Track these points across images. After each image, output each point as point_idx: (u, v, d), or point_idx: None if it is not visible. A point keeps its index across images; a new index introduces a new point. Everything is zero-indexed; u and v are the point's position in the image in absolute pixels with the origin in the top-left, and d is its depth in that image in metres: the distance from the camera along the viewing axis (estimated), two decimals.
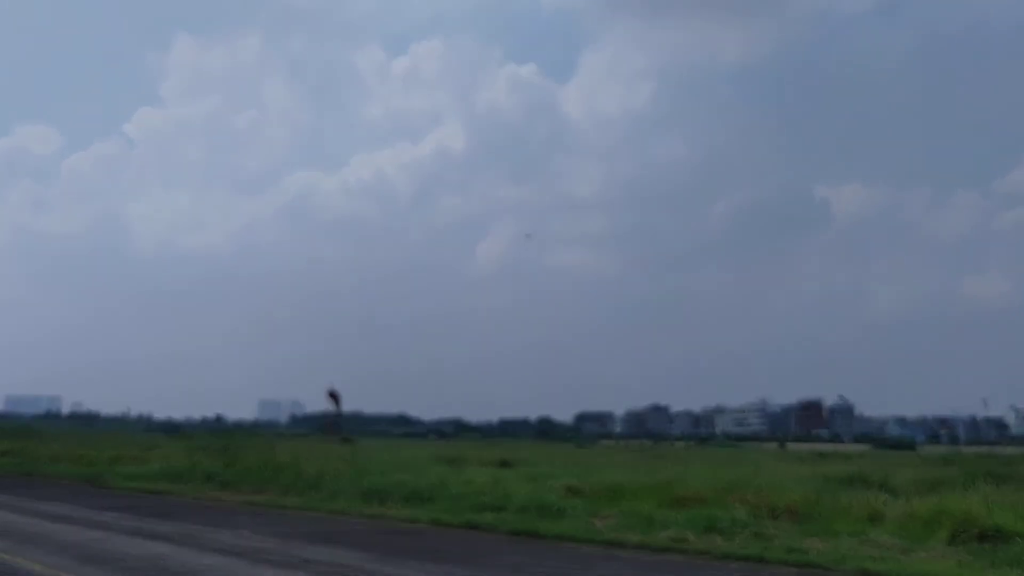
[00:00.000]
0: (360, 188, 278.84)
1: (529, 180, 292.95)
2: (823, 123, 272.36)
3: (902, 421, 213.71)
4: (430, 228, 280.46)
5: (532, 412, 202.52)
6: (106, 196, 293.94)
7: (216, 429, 69.00)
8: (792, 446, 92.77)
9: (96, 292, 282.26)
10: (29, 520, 17.88)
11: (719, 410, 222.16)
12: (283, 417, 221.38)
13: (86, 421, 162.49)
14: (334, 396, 31.82)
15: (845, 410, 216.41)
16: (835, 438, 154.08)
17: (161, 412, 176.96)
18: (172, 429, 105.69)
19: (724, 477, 19.82)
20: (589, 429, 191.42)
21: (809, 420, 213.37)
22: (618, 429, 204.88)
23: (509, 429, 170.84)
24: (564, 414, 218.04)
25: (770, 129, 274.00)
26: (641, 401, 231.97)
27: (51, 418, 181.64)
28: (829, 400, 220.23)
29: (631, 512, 16.45)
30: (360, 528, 17.23)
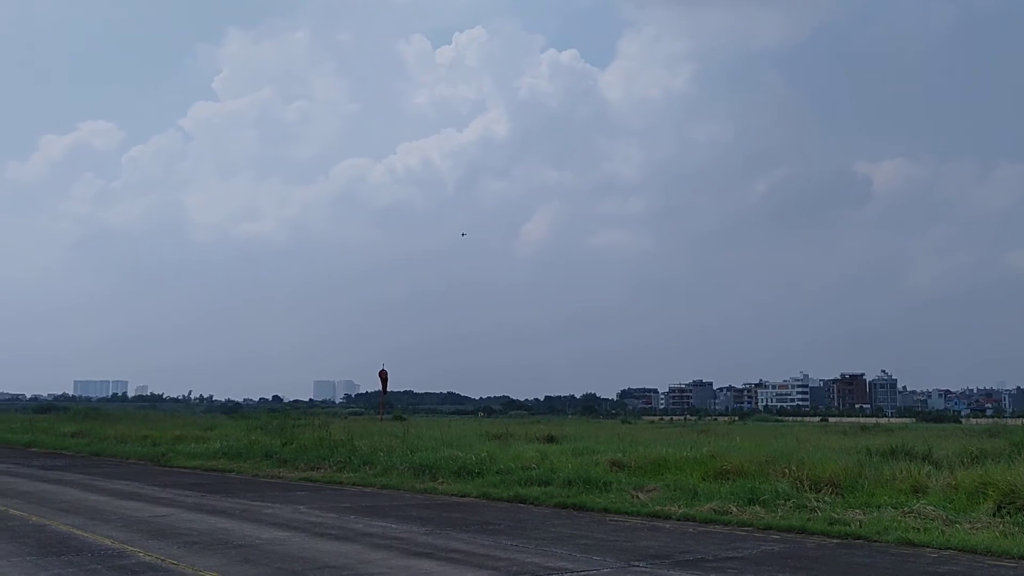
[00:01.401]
0: (407, 175, 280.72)
1: (571, 163, 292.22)
2: (863, 100, 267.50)
3: (946, 394, 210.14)
4: (475, 212, 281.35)
5: (577, 389, 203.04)
6: (165, 188, 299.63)
7: (273, 409, 70.48)
8: (834, 420, 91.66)
9: (157, 280, 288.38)
10: (99, 497, 18.76)
11: (761, 385, 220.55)
12: (337, 396, 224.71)
13: (150, 403, 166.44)
14: (383, 376, 32.57)
15: (887, 384, 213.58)
16: (877, 412, 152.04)
17: (221, 394, 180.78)
18: (232, 410, 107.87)
19: (766, 450, 20.01)
20: (633, 405, 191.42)
21: (851, 394, 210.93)
22: (662, 405, 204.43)
23: (555, 406, 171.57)
24: (608, 391, 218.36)
25: (810, 108, 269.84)
26: (684, 377, 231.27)
27: (117, 401, 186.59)
28: (871, 374, 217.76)
29: (674, 485, 16.80)
30: (412, 502, 17.82)
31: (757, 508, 14.79)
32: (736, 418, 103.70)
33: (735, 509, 14.84)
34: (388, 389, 35.94)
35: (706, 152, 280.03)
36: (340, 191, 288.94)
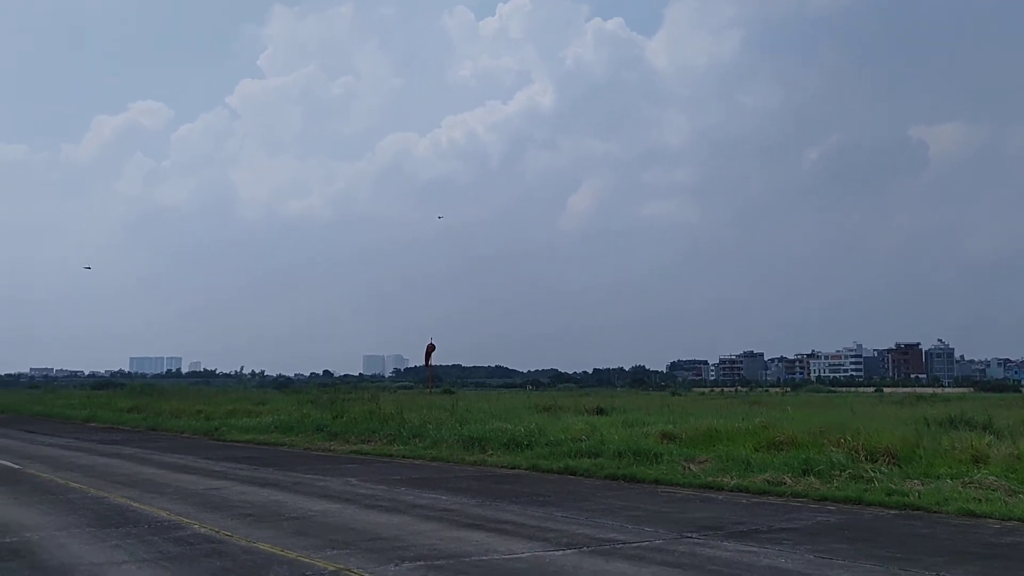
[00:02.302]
0: (452, 148, 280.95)
1: (618, 133, 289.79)
2: (918, 64, 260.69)
3: (1005, 363, 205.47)
4: (521, 184, 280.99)
5: (626, 362, 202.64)
6: (213, 166, 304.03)
7: (324, 383, 71.35)
8: (888, 390, 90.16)
9: (207, 258, 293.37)
10: (154, 471, 19.09)
11: (813, 356, 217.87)
12: (387, 371, 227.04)
13: (203, 379, 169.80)
14: (429, 350, 32.73)
15: (944, 353, 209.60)
16: (934, 382, 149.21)
17: (272, 369, 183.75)
18: (283, 384, 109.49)
19: (819, 420, 19.69)
20: (683, 377, 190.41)
21: (906, 364, 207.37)
22: (712, 376, 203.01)
23: (604, 378, 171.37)
24: (658, 363, 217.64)
25: (863, 72, 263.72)
26: (734, 348, 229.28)
27: (172, 377, 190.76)
28: (927, 344, 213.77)
29: (727, 456, 16.58)
30: (462, 474, 17.85)
31: (812, 479, 14.53)
32: (788, 389, 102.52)
33: (789, 480, 14.60)
34: (435, 363, 36.13)
35: (754, 120, 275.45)
36: (385, 166, 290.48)
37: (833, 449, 15.79)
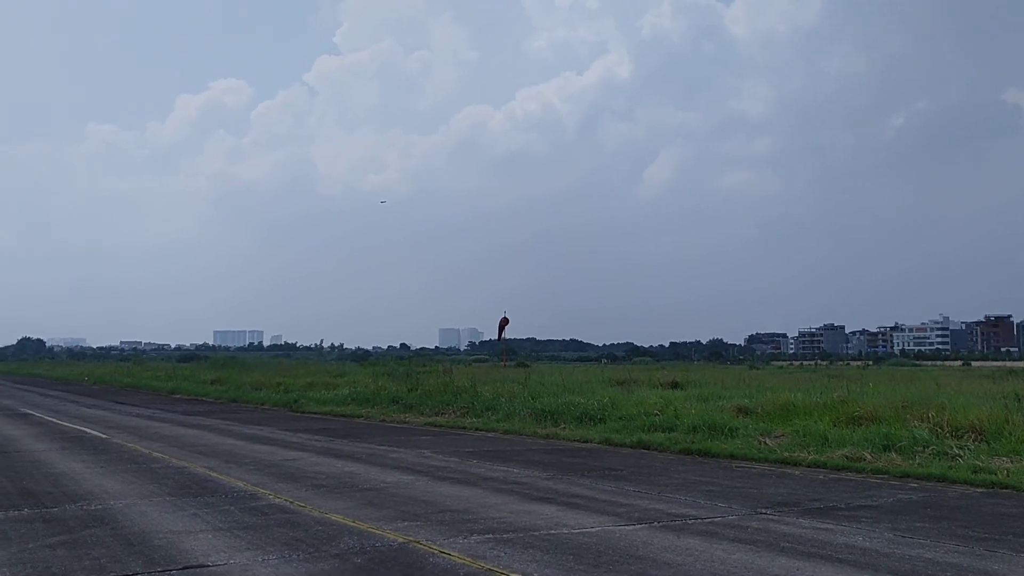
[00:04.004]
0: (527, 120, 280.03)
1: (696, 103, 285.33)
2: (1012, 22, 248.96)
3: None
4: (597, 155, 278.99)
5: (703, 335, 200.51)
6: (293, 142, 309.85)
7: (400, 356, 72.20)
8: (977, 364, 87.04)
9: (288, 234, 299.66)
10: (234, 442, 19.56)
11: (897, 328, 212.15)
12: (462, 344, 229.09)
13: (284, 352, 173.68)
14: (503, 324, 32.76)
15: None
16: None
17: (351, 342, 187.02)
18: (361, 357, 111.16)
19: (902, 395, 19.11)
20: (761, 351, 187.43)
21: (996, 337, 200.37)
22: (791, 350, 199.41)
23: (680, 352, 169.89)
24: (735, 336, 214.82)
25: (952, 33, 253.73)
26: (814, 321, 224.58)
27: (253, 350, 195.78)
28: (1020, 316, 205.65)
29: (804, 431, 16.20)
30: (534, 447, 17.84)
31: (893, 455, 14.12)
32: (870, 362, 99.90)
33: (869, 456, 14.21)
34: (510, 336, 36.14)
35: (837, 86, 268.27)
36: (461, 139, 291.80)
37: (916, 424, 15.32)
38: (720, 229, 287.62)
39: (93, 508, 10.61)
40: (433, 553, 7.98)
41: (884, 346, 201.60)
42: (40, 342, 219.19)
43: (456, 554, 7.90)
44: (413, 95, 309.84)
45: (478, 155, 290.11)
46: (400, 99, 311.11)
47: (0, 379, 74.18)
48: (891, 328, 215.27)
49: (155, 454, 16.74)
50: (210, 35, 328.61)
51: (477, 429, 21.69)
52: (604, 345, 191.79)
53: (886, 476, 13.14)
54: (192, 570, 7.39)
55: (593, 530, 9.12)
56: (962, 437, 14.52)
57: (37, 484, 12.78)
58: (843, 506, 10.68)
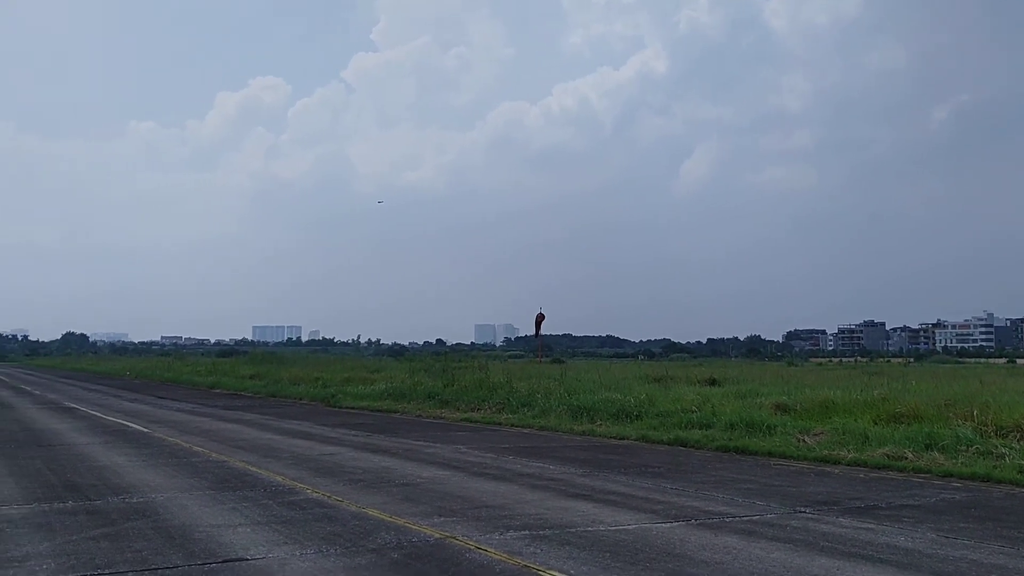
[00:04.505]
0: (563, 116, 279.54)
1: (733, 97, 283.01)
2: None
3: None
4: (633, 151, 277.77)
5: (741, 332, 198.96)
6: (330, 139, 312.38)
7: (436, 352, 72.51)
8: (1023, 362, 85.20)
9: (326, 230, 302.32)
10: (273, 436, 19.75)
11: (940, 325, 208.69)
12: (497, 340, 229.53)
13: (322, 347, 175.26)
14: (539, 320, 32.73)
15: None
16: None
17: (388, 338, 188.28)
18: (398, 353, 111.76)
19: (945, 393, 18.78)
20: (799, 347, 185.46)
21: None
22: (830, 347, 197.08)
23: (718, 348, 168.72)
24: (773, 333, 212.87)
25: (997, 25, 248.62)
26: (854, 318, 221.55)
27: (292, 345, 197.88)
28: None
29: (843, 429, 15.98)
30: (570, 444, 17.80)
31: (936, 454, 13.87)
32: (911, 360, 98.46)
33: (911, 455, 13.97)
34: (545, 332, 36.12)
35: (878, 80, 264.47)
36: (497, 135, 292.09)
37: (959, 423, 15.05)
38: (757, 224, 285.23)
39: (135, 501, 10.77)
40: (469, 549, 7.99)
41: (926, 343, 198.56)
42: (84, 337, 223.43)
43: (492, 550, 7.90)
44: (450, 91, 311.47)
45: (514, 151, 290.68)
46: (436, 96, 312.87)
47: (46, 374, 75.62)
48: (933, 325, 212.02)
49: (195, 448, 16.96)
50: (249, 33, 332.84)
51: (513, 425, 21.69)
52: (641, 341, 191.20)
53: (929, 475, 12.93)
54: (232, 563, 7.47)
55: (630, 527, 9.07)
56: (1007, 436, 14.24)
57: (81, 477, 13.00)
58: (884, 505, 10.52)
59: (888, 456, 14.04)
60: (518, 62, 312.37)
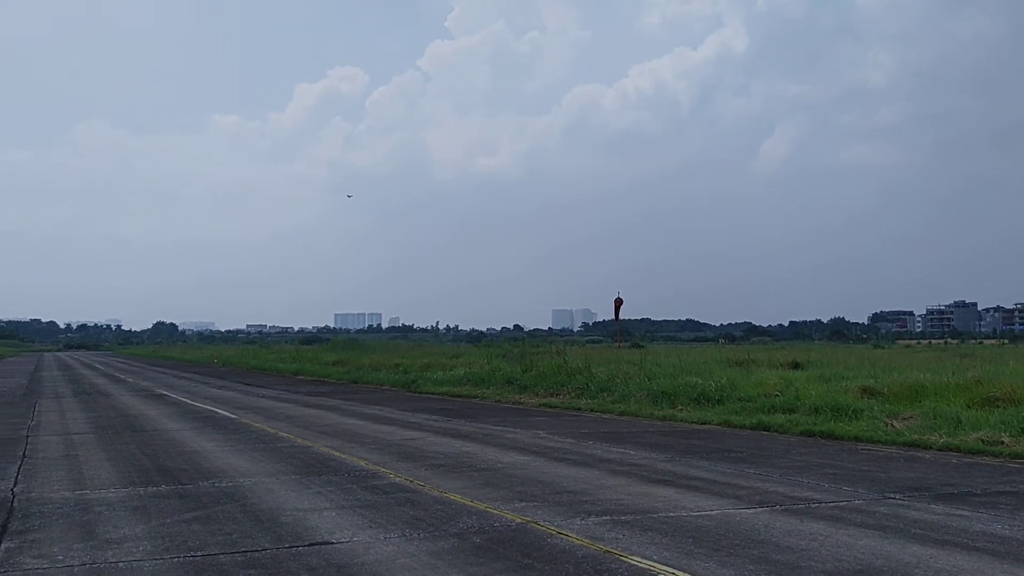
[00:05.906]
0: (640, 98, 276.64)
1: (815, 74, 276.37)
2: None
3: None
4: (712, 131, 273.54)
5: (824, 314, 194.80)
6: (406, 127, 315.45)
7: (514, 337, 72.74)
8: None
9: (404, 218, 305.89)
10: (355, 421, 20.08)
11: None
12: (575, 325, 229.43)
13: (402, 334, 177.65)
14: (618, 304, 32.49)
15: None
16: None
17: (466, 324, 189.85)
18: (476, 338, 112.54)
19: None
20: (886, 329, 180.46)
21: None
22: (918, 328, 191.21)
23: (800, 331, 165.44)
24: (858, 315, 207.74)
25: None
26: (944, 298, 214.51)
27: (372, 332, 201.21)
28: None
29: (934, 413, 15.49)
30: (650, 429, 17.66)
31: None
32: (1006, 341, 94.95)
33: (1007, 440, 13.46)
34: (624, 317, 35.84)
35: (971, 52, 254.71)
36: (573, 119, 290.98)
37: None
38: (841, 202, 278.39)
39: (224, 485, 11.06)
40: (551, 534, 7.99)
41: (1021, 324, 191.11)
42: (173, 326, 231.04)
43: (574, 535, 7.88)
44: (525, 77, 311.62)
45: (590, 135, 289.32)
46: (512, 81, 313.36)
47: (138, 362, 78.37)
48: None
49: (281, 434, 17.34)
50: (327, 24, 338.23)
51: (592, 410, 21.63)
52: (721, 325, 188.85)
53: None
54: (318, 547, 7.61)
55: (712, 513, 8.96)
56: None
57: (172, 461, 13.42)
58: (979, 492, 10.17)
59: (983, 441, 13.55)
60: (593, 45, 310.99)
